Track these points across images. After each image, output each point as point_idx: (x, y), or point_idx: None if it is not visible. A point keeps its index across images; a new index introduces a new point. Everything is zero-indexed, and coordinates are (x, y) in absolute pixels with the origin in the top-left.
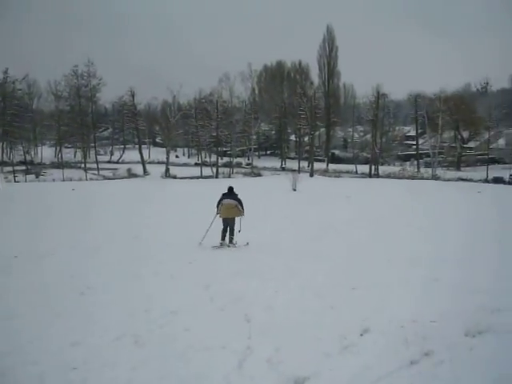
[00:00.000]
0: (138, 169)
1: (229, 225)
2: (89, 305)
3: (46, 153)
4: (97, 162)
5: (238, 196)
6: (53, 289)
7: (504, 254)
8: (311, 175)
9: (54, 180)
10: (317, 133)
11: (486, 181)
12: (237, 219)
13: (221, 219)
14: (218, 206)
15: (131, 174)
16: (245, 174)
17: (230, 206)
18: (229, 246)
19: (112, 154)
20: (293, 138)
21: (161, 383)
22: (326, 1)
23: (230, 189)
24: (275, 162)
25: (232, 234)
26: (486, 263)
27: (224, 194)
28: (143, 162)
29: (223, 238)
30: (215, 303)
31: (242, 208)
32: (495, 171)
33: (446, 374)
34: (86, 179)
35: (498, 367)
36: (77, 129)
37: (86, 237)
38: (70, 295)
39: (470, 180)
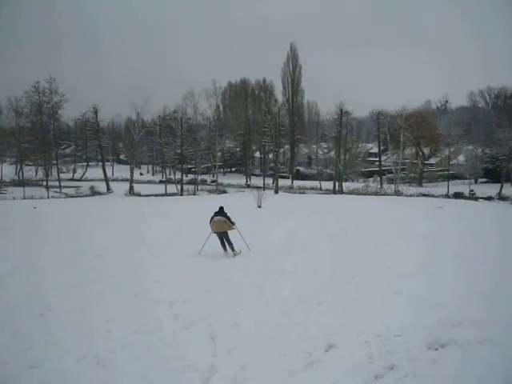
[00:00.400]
0: (102, 186)
1: (223, 237)
2: (49, 326)
3: (6, 170)
4: (59, 180)
5: (228, 214)
6: (11, 310)
7: (464, 267)
8: (276, 192)
9: (14, 198)
10: (281, 150)
11: (447, 196)
12: (230, 232)
13: (216, 235)
14: (210, 223)
15: (94, 192)
16: (210, 191)
17: (220, 222)
18: (234, 255)
19: (75, 171)
20: (257, 154)
21: None
22: (289, 20)
23: (221, 208)
24: (240, 179)
25: (230, 244)
26: (448, 276)
27: (215, 213)
28: (106, 180)
29: (225, 249)
30: (179, 322)
31: (231, 222)
32: (456, 186)
33: None
34: (48, 197)
35: (459, 380)
36: (38, 146)
37: (47, 256)
38: (29, 316)
39: (432, 195)
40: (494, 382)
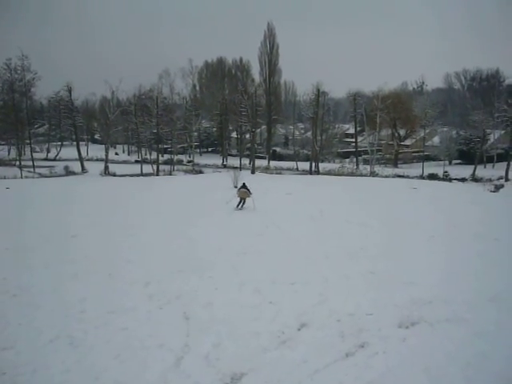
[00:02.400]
0: (76, 166)
1: (243, 200)
2: (21, 307)
3: None
4: (32, 160)
5: (248, 187)
6: None
7: (436, 247)
8: (253, 172)
9: None
10: (258, 130)
11: (422, 177)
12: (248, 199)
13: (238, 197)
14: (237, 191)
15: (69, 172)
16: (186, 172)
17: (244, 191)
18: (241, 209)
19: (48, 151)
20: (234, 135)
21: None
22: None
23: (244, 184)
24: (217, 160)
25: (244, 204)
26: (420, 256)
27: (241, 186)
28: (81, 160)
29: (240, 207)
30: (154, 302)
31: (250, 192)
32: (430, 168)
33: (379, 365)
34: (22, 177)
35: (428, 357)
36: (10, 125)
37: (21, 237)
38: (2, 297)
39: (407, 176)
40: (463, 360)
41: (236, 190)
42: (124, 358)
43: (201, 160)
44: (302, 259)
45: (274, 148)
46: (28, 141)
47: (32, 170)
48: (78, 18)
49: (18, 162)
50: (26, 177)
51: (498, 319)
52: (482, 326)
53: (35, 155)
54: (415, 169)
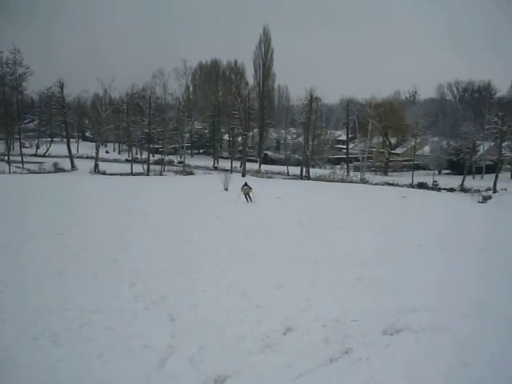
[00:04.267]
0: (66, 163)
1: (248, 195)
2: (5, 303)
3: None
4: (21, 155)
5: (250, 184)
6: None
7: (423, 255)
8: (243, 175)
9: None
10: (250, 133)
11: (411, 186)
12: (250, 193)
13: (243, 194)
14: (242, 188)
15: (58, 169)
16: (176, 172)
17: (246, 188)
18: (251, 202)
19: (38, 147)
20: (226, 137)
21: None
22: (263, 2)
23: (245, 183)
24: (208, 161)
25: (250, 198)
26: (407, 264)
27: (244, 184)
28: (71, 157)
29: (248, 201)
30: (139, 302)
31: (251, 188)
32: (420, 177)
33: (362, 371)
34: (10, 172)
35: (411, 364)
36: (0, 119)
37: (6, 233)
38: None
39: (397, 184)
40: (445, 367)
41: (242, 189)
42: (108, 358)
43: (192, 161)
44: (290, 264)
45: (265, 152)
46: (17, 136)
47: (21, 165)
48: (72, 14)
49: (6, 157)
50: (15, 172)
51: (482, 328)
52: (465, 334)
53: (24, 151)
54: (405, 177)
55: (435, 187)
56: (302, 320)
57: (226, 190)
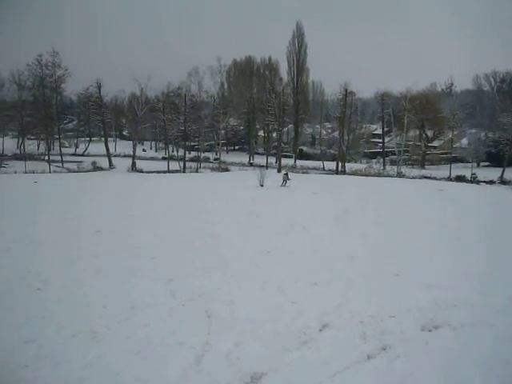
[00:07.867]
0: (104, 162)
1: (285, 181)
2: (45, 300)
3: (8, 144)
4: (61, 155)
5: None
6: (8, 284)
7: (462, 250)
8: (279, 171)
9: (15, 172)
10: (285, 129)
11: (449, 179)
12: (288, 180)
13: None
14: (283, 175)
15: (96, 167)
16: (212, 169)
17: (285, 175)
18: (287, 186)
19: (77, 146)
20: (261, 133)
21: (115, 380)
22: None
23: (286, 172)
24: (243, 158)
25: (286, 183)
26: (446, 259)
27: (284, 173)
28: (109, 155)
29: (284, 185)
30: (176, 299)
31: (289, 178)
32: (458, 170)
33: (401, 368)
34: (50, 172)
35: (451, 361)
36: (40, 120)
37: (47, 231)
38: (26, 290)
39: (434, 178)
40: (485, 365)
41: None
42: (145, 355)
43: (227, 158)
44: (325, 259)
45: (300, 147)
46: (57, 136)
47: (60, 164)
48: (109, 15)
49: (46, 157)
50: (55, 171)
51: None
52: (506, 331)
53: (64, 150)
54: (443, 170)
55: (474, 180)
56: (338, 316)
57: (262, 186)
